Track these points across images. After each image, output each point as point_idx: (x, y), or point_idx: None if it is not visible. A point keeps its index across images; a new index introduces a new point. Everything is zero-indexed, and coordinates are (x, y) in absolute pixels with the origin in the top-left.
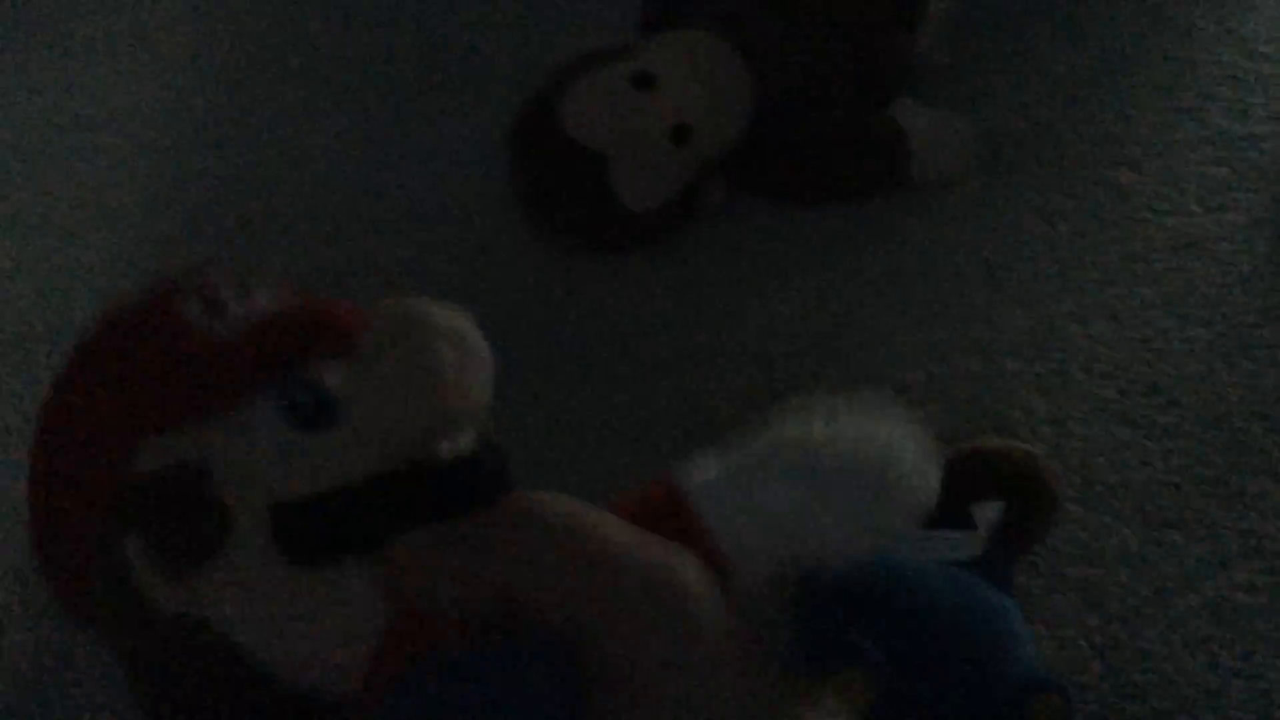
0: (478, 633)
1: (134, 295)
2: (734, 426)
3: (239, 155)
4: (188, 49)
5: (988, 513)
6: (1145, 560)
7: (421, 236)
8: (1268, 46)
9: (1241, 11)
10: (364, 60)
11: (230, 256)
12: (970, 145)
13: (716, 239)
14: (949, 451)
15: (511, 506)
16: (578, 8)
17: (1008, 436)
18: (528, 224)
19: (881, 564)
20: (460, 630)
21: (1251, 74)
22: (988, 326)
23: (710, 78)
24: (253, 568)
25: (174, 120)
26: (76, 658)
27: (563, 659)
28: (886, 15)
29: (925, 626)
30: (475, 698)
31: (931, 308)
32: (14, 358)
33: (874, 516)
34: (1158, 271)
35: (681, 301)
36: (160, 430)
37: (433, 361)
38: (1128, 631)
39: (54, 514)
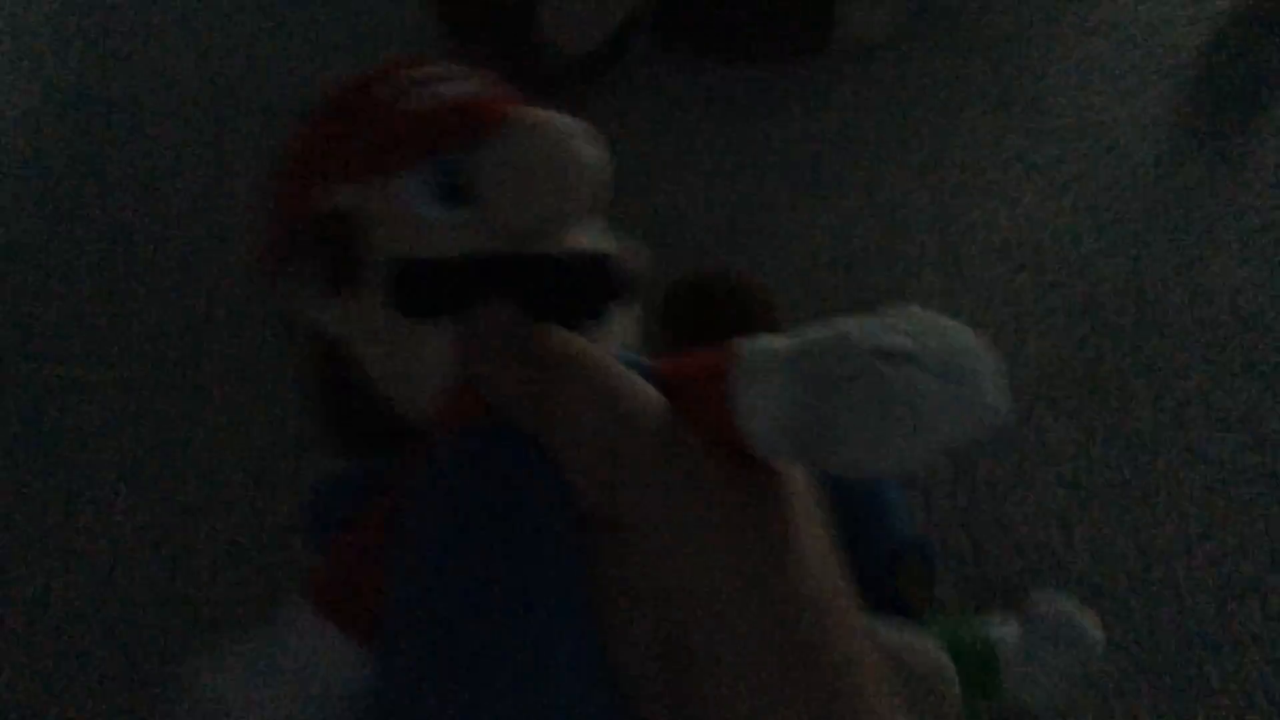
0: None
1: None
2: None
3: None
4: None
5: None
6: (1013, 436)
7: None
8: None
9: None
10: None
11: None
12: (897, 10)
13: (636, 91)
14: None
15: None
16: None
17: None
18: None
19: None
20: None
21: None
22: (892, 199)
23: None
24: (369, 307)
25: None
26: None
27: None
28: None
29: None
30: (492, 469)
31: (840, 176)
32: None
33: (937, 433)
34: (1059, 154)
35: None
36: (334, 181)
37: (562, 154)
38: (991, 503)
39: (263, 235)
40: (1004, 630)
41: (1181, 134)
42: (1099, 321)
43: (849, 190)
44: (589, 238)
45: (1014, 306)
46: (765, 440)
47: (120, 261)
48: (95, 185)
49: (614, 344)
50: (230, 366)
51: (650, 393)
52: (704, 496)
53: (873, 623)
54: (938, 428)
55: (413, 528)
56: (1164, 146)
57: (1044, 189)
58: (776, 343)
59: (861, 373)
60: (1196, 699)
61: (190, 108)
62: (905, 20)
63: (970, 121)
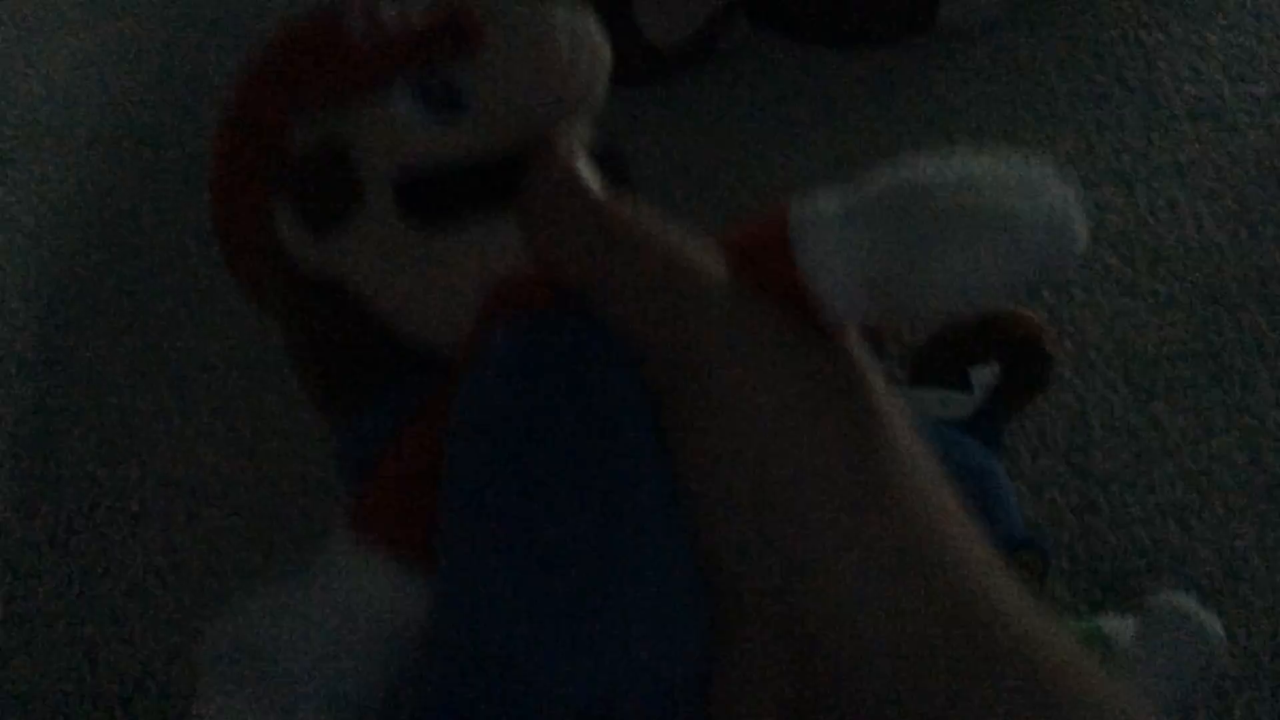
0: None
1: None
2: None
3: None
4: None
5: (983, 373)
6: (1130, 428)
7: None
8: None
9: None
10: None
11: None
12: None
13: (736, 80)
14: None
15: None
16: None
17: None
18: None
19: None
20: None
21: None
22: None
23: None
24: (380, 231)
25: None
26: None
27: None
28: None
29: None
30: (556, 353)
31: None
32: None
33: (1009, 261)
34: (1174, 140)
35: (694, 143)
36: (309, 112)
37: (550, 49)
38: (1106, 496)
39: (224, 192)
40: (1119, 627)
41: None
42: (1219, 309)
43: None
44: (586, 131)
45: (1130, 295)
46: (844, 297)
47: None
48: None
49: None
50: None
51: (721, 262)
52: (791, 363)
53: None
54: (1032, 247)
55: (473, 427)
56: (1277, 131)
57: (1159, 174)
58: (835, 194)
59: (947, 197)
60: None
61: None
62: (1010, 5)
63: (1079, 108)
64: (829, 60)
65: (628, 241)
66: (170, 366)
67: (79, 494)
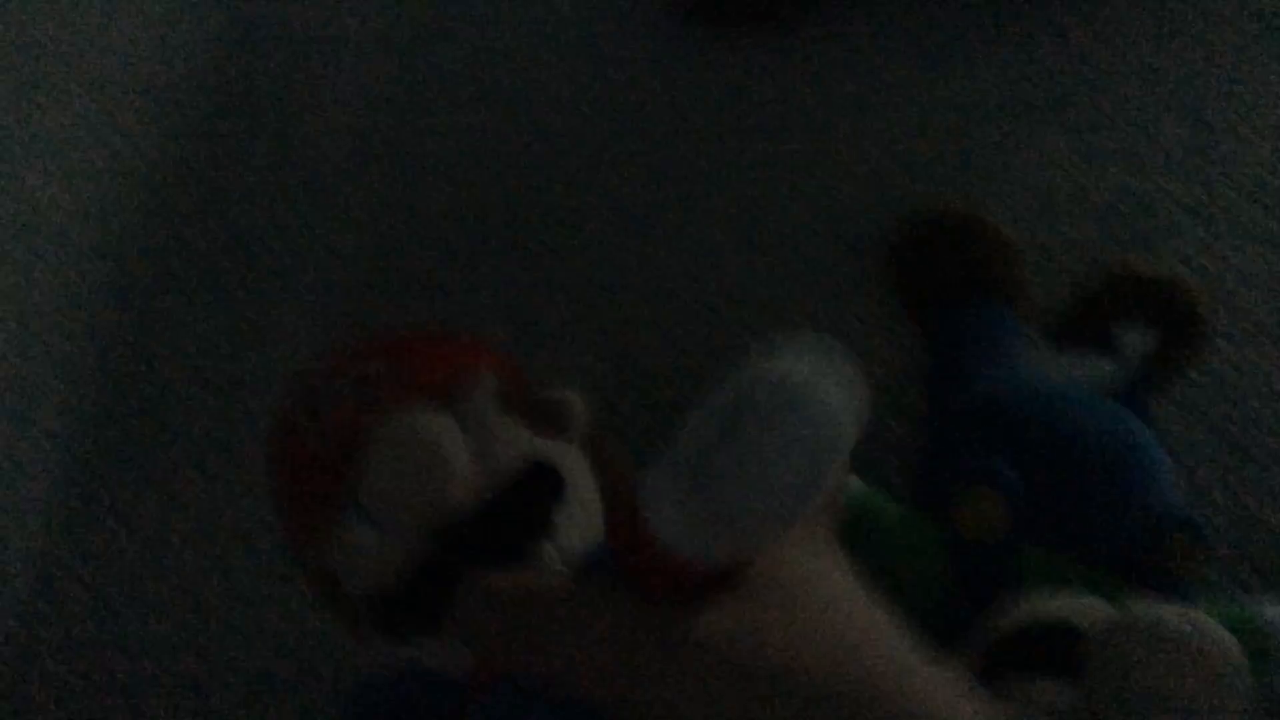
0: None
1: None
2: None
3: None
4: None
5: (1133, 338)
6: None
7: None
8: None
9: None
10: None
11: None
12: None
13: (843, 28)
14: (1098, 269)
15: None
16: None
17: (1153, 257)
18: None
19: (1023, 388)
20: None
21: None
22: (1144, 137)
23: None
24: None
25: None
26: None
27: None
28: None
29: (1065, 452)
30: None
31: (1087, 115)
32: None
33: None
34: None
35: (809, 94)
36: (307, 535)
37: (409, 460)
38: (1259, 471)
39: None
40: (1276, 615)
41: None
42: None
43: (1095, 128)
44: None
45: (1276, 251)
46: (689, 546)
47: None
48: None
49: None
50: None
51: (609, 597)
52: (689, 663)
53: (1141, 602)
54: (797, 459)
55: None
56: None
57: None
58: (666, 459)
59: (716, 447)
60: None
61: None
62: None
63: (1226, 50)
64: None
65: (530, 624)
66: None
67: None
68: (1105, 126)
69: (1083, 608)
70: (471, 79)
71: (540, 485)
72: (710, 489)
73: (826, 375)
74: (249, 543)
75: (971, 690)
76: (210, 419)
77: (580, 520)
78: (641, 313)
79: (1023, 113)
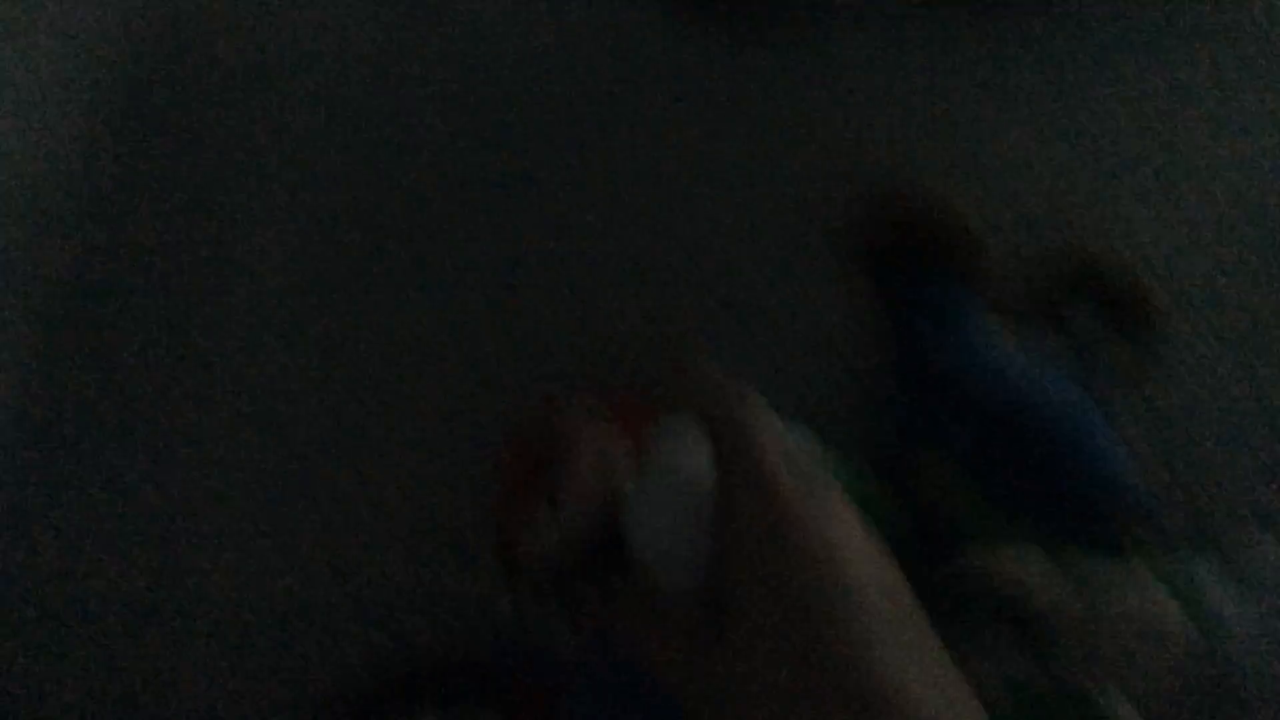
0: None
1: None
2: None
3: None
4: None
5: (1084, 320)
6: (1220, 380)
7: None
8: None
9: None
10: None
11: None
12: None
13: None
14: (1055, 252)
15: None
16: None
17: (1112, 246)
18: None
19: (978, 361)
20: None
21: None
22: (1105, 132)
23: None
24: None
25: None
26: None
27: None
28: None
29: (1015, 421)
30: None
31: (1053, 109)
32: None
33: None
34: None
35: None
36: (513, 513)
37: (580, 467)
38: (1189, 442)
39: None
40: (1206, 572)
41: None
42: None
43: (1054, 117)
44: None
45: (1235, 246)
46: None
47: None
48: None
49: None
50: None
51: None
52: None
53: (1090, 568)
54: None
55: None
56: None
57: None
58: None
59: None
60: None
61: None
62: None
63: (1183, 51)
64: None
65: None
66: None
67: None
68: (1068, 119)
69: (1025, 563)
70: (457, 55)
71: None
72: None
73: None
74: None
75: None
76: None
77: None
78: (619, 288)
79: (991, 102)
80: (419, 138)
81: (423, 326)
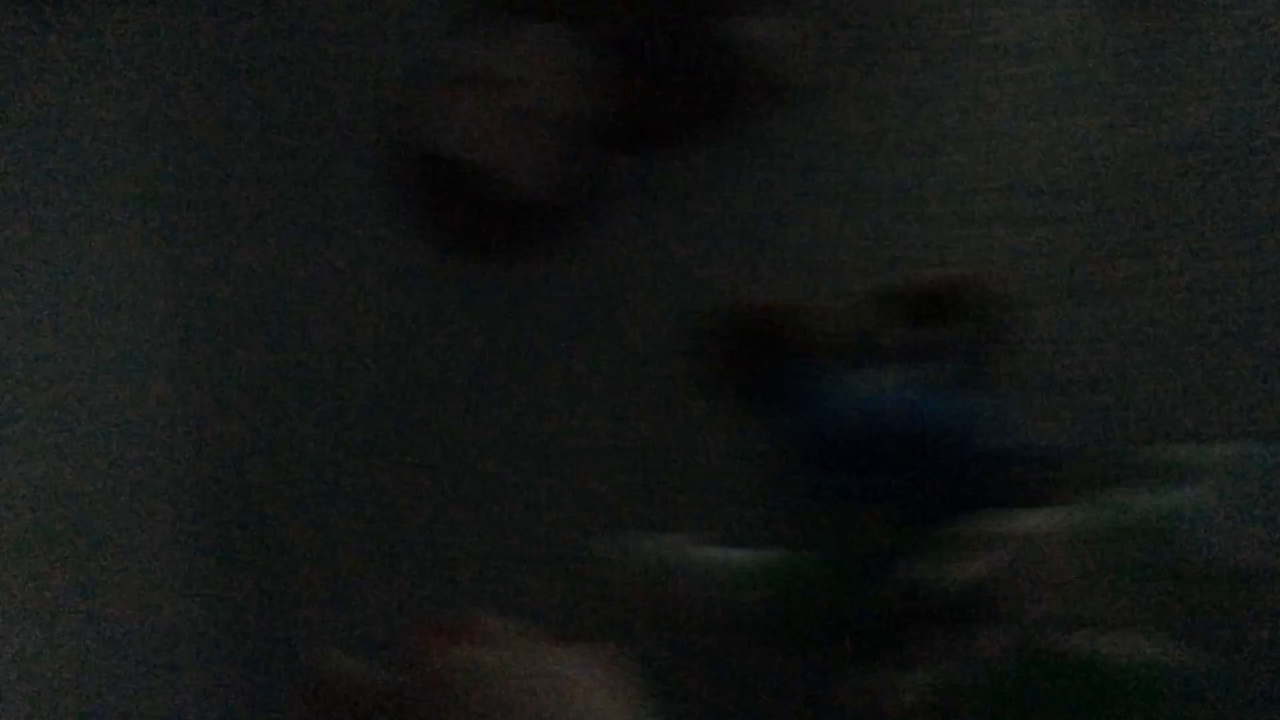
0: None
1: None
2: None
3: None
4: None
5: (928, 335)
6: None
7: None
8: None
9: None
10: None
11: None
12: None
13: (637, 208)
14: (907, 283)
15: None
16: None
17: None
18: (414, 234)
19: (856, 410)
20: None
21: None
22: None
23: (550, 55)
24: None
25: None
26: None
27: None
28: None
29: (914, 444)
30: None
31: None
32: None
33: None
34: None
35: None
36: None
37: None
38: (1078, 403)
39: None
40: (1180, 495)
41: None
42: None
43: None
44: None
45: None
46: None
47: None
48: None
49: None
50: None
51: None
52: None
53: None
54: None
55: None
56: None
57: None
58: None
59: None
60: None
61: None
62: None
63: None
64: (708, 155)
65: None
66: None
67: None
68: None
69: (945, 560)
70: None
71: None
72: None
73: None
74: None
75: None
76: None
77: None
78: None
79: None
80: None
81: None
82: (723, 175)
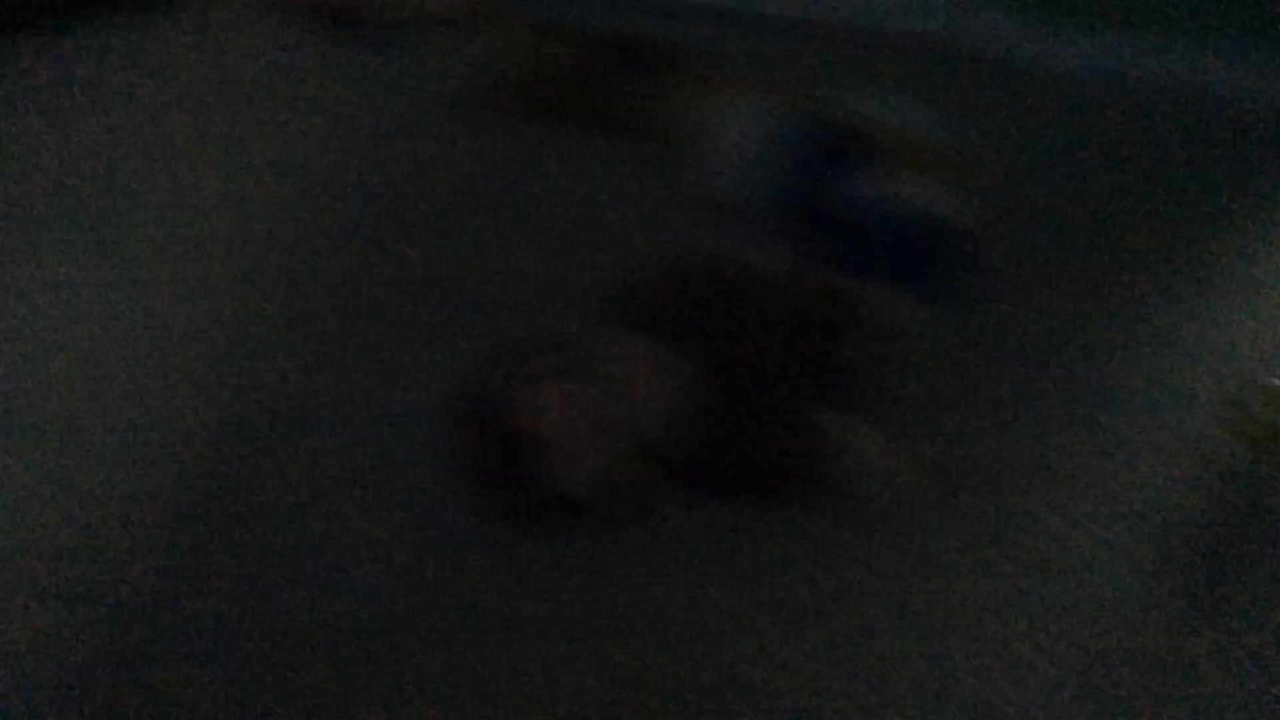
0: None
1: None
2: None
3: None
4: None
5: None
6: None
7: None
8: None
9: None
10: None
11: None
12: (903, 466)
13: (646, 528)
14: None
15: None
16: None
17: None
18: (468, 497)
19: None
20: None
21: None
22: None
23: (647, 376)
24: None
25: None
26: None
27: None
28: (828, 327)
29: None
30: None
31: (835, 633)
32: None
33: None
34: (1034, 608)
35: (599, 587)
36: None
37: None
38: None
39: None
40: None
41: None
42: None
43: (839, 648)
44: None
45: None
46: None
47: None
48: None
49: None
50: None
51: None
52: None
53: None
54: None
55: None
56: (1124, 584)
57: (1014, 634)
58: None
59: None
60: None
61: None
62: (908, 472)
63: (969, 573)
64: (738, 512)
65: None
66: None
67: None
68: (845, 643)
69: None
70: None
71: None
72: None
73: None
74: None
75: None
76: None
77: None
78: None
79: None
80: None
81: None
82: (753, 542)
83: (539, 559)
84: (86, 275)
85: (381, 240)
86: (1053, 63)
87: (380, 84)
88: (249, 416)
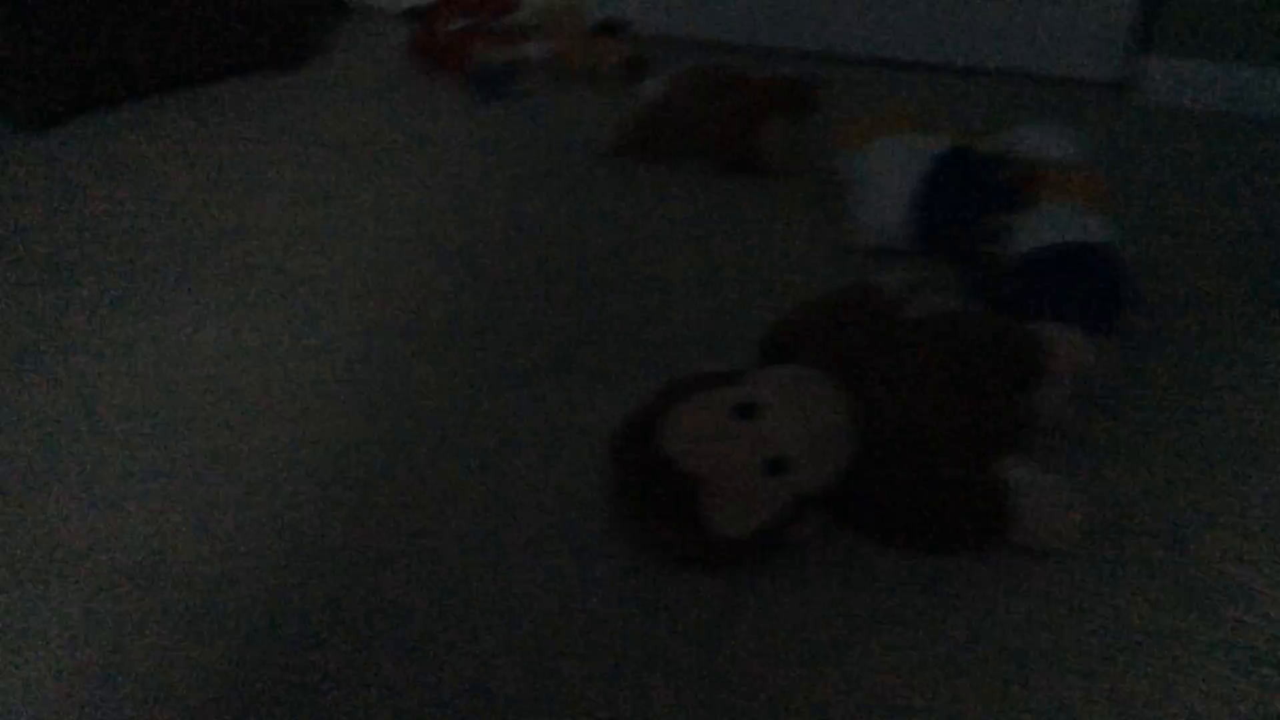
0: None
1: None
2: None
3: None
4: None
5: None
6: None
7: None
8: None
9: None
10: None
11: None
12: (1078, 516)
13: (805, 570)
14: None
15: None
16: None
17: None
18: (623, 528)
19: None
20: None
21: None
22: None
23: (814, 414)
24: None
25: None
26: None
27: None
28: (1003, 374)
29: None
30: None
31: (993, 689)
32: None
33: None
34: (1253, 691)
35: (755, 630)
36: None
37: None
38: None
39: None
40: None
41: None
42: None
43: (1000, 707)
44: None
45: None
46: None
47: None
48: None
49: None
50: None
51: None
52: None
53: None
54: None
55: None
56: None
57: None
58: None
59: None
60: None
61: None
62: (1084, 521)
63: (1164, 634)
64: (899, 558)
65: None
66: None
67: None
68: (1007, 704)
69: None
70: None
71: None
72: None
73: None
74: None
75: None
76: None
77: None
78: None
79: (933, 673)
80: None
81: None
82: (923, 594)
83: (699, 602)
84: (240, 316)
85: (543, 288)
86: (1233, 106)
87: (526, 135)
88: (414, 459)
